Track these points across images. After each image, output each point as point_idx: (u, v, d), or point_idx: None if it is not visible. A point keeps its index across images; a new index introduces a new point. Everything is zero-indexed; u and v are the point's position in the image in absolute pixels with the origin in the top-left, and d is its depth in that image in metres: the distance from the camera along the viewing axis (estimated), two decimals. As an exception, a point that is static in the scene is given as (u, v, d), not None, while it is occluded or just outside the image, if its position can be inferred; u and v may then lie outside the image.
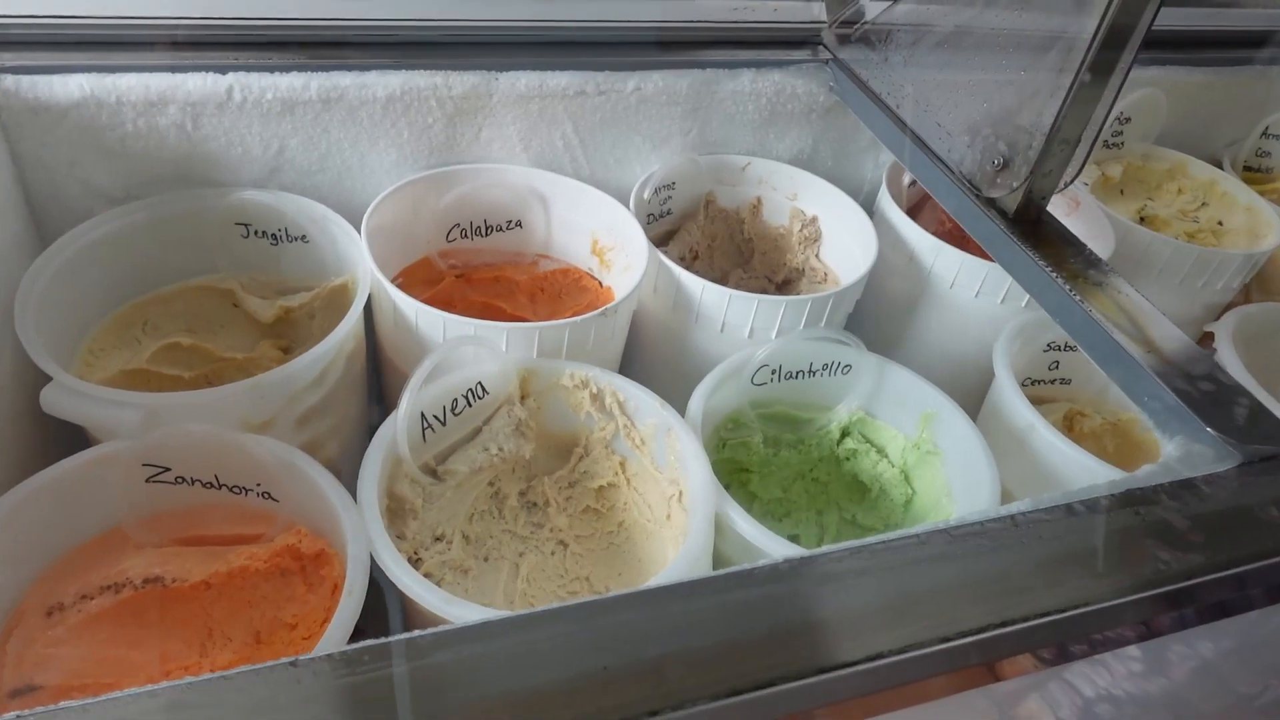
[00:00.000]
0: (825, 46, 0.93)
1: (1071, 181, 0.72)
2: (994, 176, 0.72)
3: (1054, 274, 0.67)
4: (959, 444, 0.74)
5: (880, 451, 0.81)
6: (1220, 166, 1.13)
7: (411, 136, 0.82)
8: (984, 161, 0.73)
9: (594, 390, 0.72)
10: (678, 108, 0.88)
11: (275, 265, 0.81)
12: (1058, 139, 0.68)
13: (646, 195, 0.89)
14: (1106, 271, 0.68)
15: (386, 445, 0.63)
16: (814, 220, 0.97)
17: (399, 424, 0.62)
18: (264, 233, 0.79)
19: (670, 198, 0.94)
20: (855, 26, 0.91)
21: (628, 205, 0.86)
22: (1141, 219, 1.08)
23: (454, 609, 0.54)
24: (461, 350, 0.69)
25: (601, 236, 0.88)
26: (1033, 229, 0.71)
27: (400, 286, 0.87)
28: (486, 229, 0.89)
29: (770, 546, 0.62)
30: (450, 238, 0.88)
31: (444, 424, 0.68)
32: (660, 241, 0.96)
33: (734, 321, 0.80)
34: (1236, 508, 0.50)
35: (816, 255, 0.98)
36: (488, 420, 0.71)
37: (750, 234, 1.00)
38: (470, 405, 0.70)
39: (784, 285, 0.99)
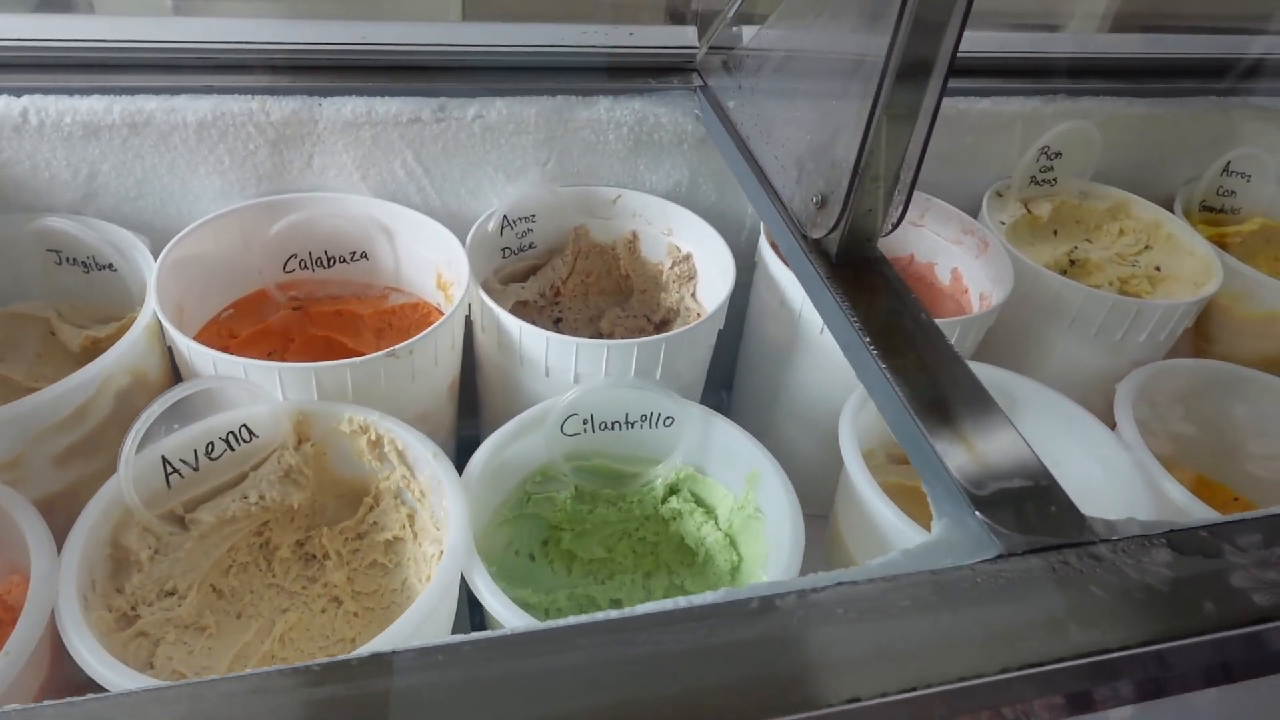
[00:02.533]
0: (699, 73, 0.87)
1: (897, 224, 0.64)
2: (816, 216, 0.65)
3: (857, 325, 0.60)
4: (776, 507, 0.67)
5: (708, 512, 0.73)
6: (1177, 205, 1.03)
7: (234, 163, 0.78)
8: (807, 199, 0.66)
9: (373, 437, 0.66)
10: (528, 136, 0.83)
11: (89, 294, 0.78)
12: (868, 176, 0.60)
13: (491, 227, 0.84)
14: (925, 325, 0.61)
15: (113, 492, 0.59)
16: (688, 257, 0.90)
17: (121, 469, 0.58)
18: (75, 260, 0.77)
19: (531, 231, 0.89)
20: (723, 52, 0.85)
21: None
22: (1072, 262, 0.99)
23: (111, 674, 0.49)
24: (234, 391, 0.65)
25: (444, 270, 0.83)
26: (854, 274, 0.64)
27: (229, 319, 0.84)
28: (329, 260, 0.85)
29: (504, 616, 0.56)
30: (288, 268, 0.84)
31: (196, 469, 0.64)
32: (523, 277, 0.91)
33: (557, 365, 0.74)
34: (948, 618, 0.42)
35: (693, 295, 0.91)
36: (256, 466, 0.67)
37: (627, 270, 0.94)
38: (233, 449, 0.65)
39: (661, 326, 0.93)
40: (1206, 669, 0.42)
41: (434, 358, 0.73)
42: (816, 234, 0.65)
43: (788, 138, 0.70)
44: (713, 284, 0.88)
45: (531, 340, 0.74)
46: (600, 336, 0.91)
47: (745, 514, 0.70)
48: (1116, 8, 1.08)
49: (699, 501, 0.74)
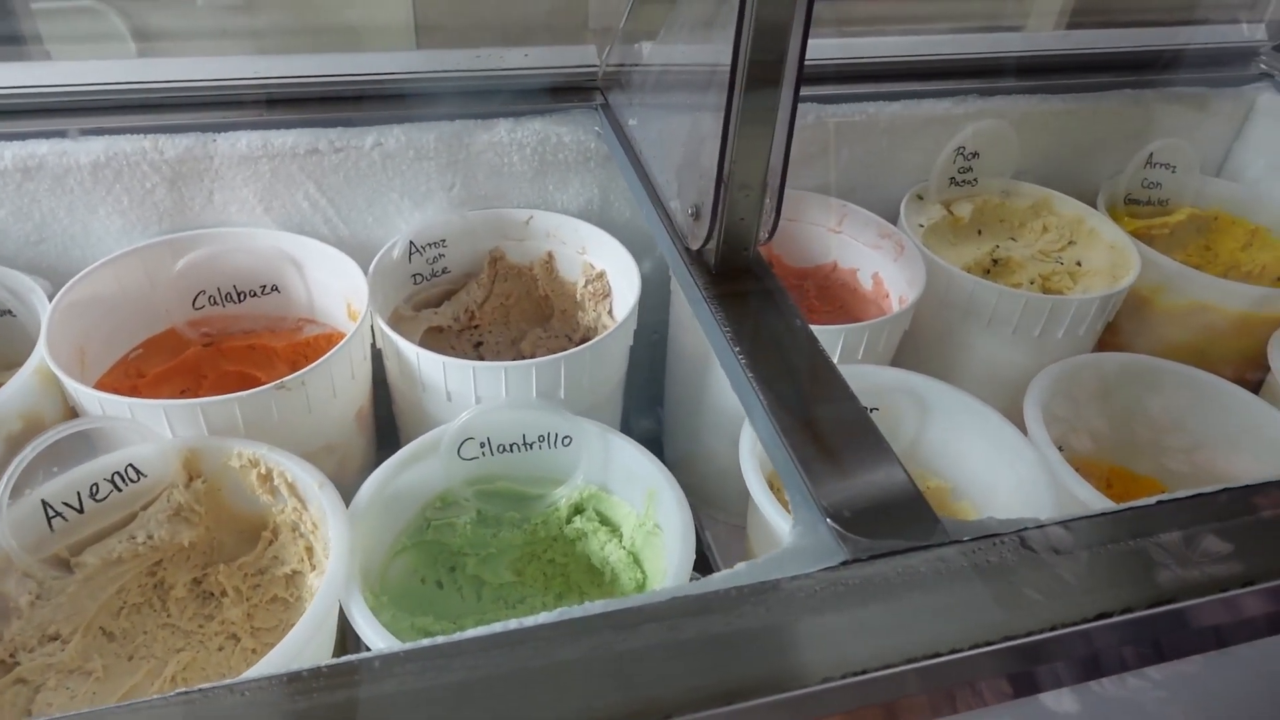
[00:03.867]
0: (601, 91, 0.88)
1: (772, 231, 0.64)
2: (693, 227, 0.65)
3: (729, 334, 0.59)
4: (672, 524, 0.66)
5: (613, 530, 0.73)
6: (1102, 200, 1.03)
7: (133, 203, 0.79)
8: (685, 211, 0.66)
9: (263, 470, 0.66)
10: (430, 162, 0.83)
11: (-6, 340, 0.79)
12: (735, 185, 0.60)
13: (398, 254, 0.84)
14: (798, 332, 0.60)
15: (-12, 538, 0.58)
16: (602, 275, 0.90)
17: (-5, 515, 0.58)
18: (-25, 306, 0.77)
19: (442, 256, 0.89)
20: (621, 69, 0.85)
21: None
22: (995, 261, 0.98)
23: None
24: (124, 431, 0.65)
25: (353, 300, 0.83)
26: (733, 284, 0.64)
27: (138, 358, 0.84)
28: (239, 295, 0.85)
29: (375, 642, 0.55)
30: (198, 305, 0.84)
31: (81, 511, 0.63)
32: (438, 302, 0.91)
33: (457, 390, 0.74)
34: (779, 623, 0.41)
35: (609, 312, 0.91)
36: (146, 505, 0.66)
37: (546, 291, 0.94)
38: (120, 490, 0.65)
39: (582, 344, 0.92)
40: (1044, 668, 0.42)
41: (331, 389, 0.73)
42: (695, 245, 0.65)
43: (670, 151, 0.70)
44: (626, 300, 0.88)
45: (430, 366, 0.74)
46: (522, 358, 0.91)
47: (646, 530, 0.69)
48: (1031, 7, 1.08)
49: (604, 520, 0.74)
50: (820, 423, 0.54)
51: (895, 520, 0.48)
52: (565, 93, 0.87)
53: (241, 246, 0.83)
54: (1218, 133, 1.09)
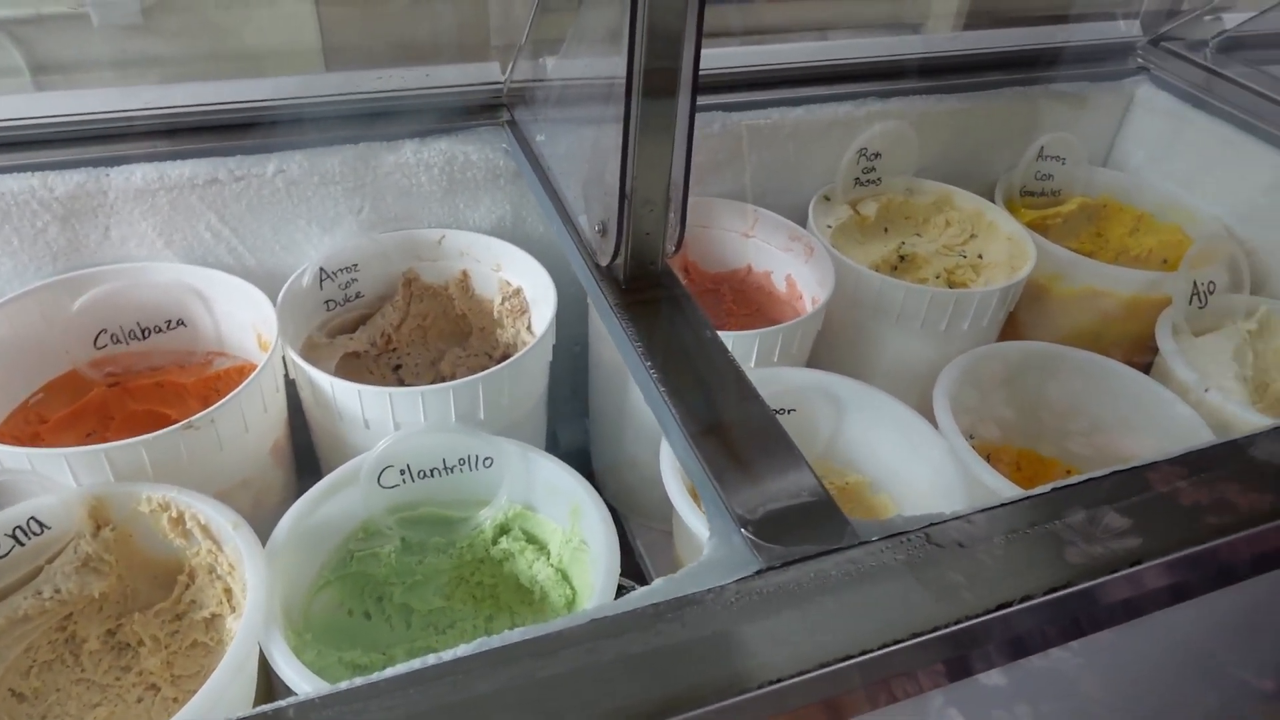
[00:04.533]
0: (507, 108, 0.88)
1: (678, 244, 0.65)
2: (601, 243, 0.66)
3: (640, 349, 0.60)
4: (597, 538, 0.67)
5: (540, 548, 0.73)
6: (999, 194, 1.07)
7: (23, 244, 0.76)
8: (592, 227, 0.67)
9: (174, 514, 0.65)
10: (336, 186, 0.82)
11: (-124, 394, 0.75)
12: (638, 200, 0.61)
13: (308, 282, 0.83)
14: (708, 343, 0.61)
15: (-119, 605, 0.56)
16: (519, 291, 0.90)
17: (-114, 581, 0.55)
18: None
19: (355, 280, 0.88)
20: (526, 85, 0.85)
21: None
22: (902, 257, 1.01)
23: None
24: (24, 483, 0.63)
25: (262, 331, 0.82)
26: (643, 298, 0.65)
27: (39, 403, 0.81)
28: (143, 331, 0.83)
29: (300, 687, 0.54)
30: (100, 344, 0.81)
31: (-19, 569, 0.61)
32: (354, 327, 0.90)
33: (375, 417, 0.73)
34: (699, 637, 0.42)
35: (528, 328, 0.91)
36: (52, 558, 0.64)
37: (462, 310, 0.93)
38: (22, 544, 0.63)
39: (503, 361, 0.92)
40: (949, 663, 0.43)
41: (243, 424, 0.71)
42: (604, 261, 0.66)
43: (575, 167, 0.70)
44: (544, 316, 0.88)
45: (345, 395, 0.73)
46: (442, 379, 0.91)
47: (573, 547, 0.70)
48: (929, 10, 1.12)
49: (531, 539, 0.74)
50: (732, 432, 0.55)
51: (807, 525, 0.49)
52: (471, 111, 0.86)
53: (143, 282, 0.81)
54: (1102, 125, 1.14)
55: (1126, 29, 1.14)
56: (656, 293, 0.65)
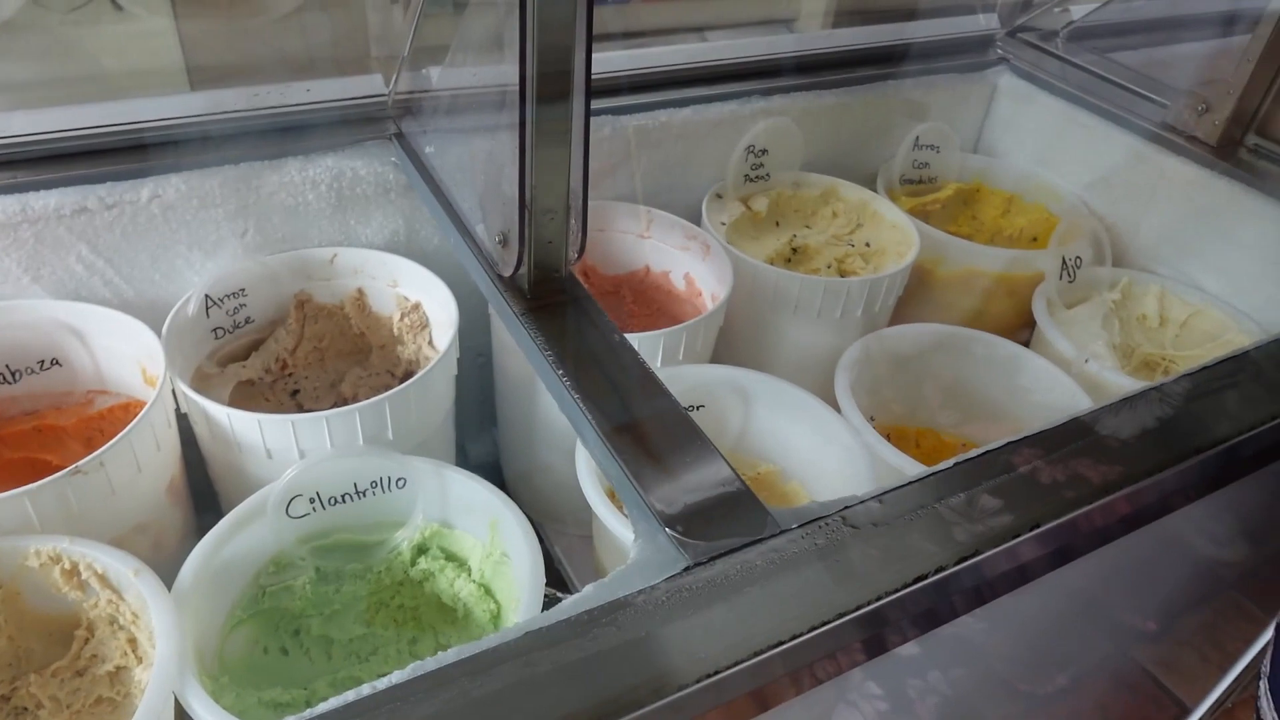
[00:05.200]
0: (393, 120, 0.86)
1: (580, 251, 0.65)
2: (502, 254, 0.65)
3: (551, 358, 0.60)
4: (518, 550, 0.66)
5: (460, 565, 0.72)
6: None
7: None
8: (492, 237, 0.66)
9: (66, 566, 0.61)
10: (217, 210, 0.79)
11: None
12: (538, 209, 0.61)
13: (193, 310, 0.79)
14: (618, 347, 0.62)
15: None
16: (417, 306, 0.88)
17: None
18: None
19: (244, 306, 0.84)
20: (413, 96, 0.84)
21: (170, 326, 0.76)
22: (794, 250, 1.04)
23: None
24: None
25: (147, 364, 0.78)
26: (548, 307, 0.65)
27: (-100, 459, 0.74)
28: (13, 374, 0.78)
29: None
30: (-35, 391, 0.76)
31: None
32: (245, 354, 0.86)
33: (277, 446, 0.71)
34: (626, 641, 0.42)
35: (429, 343, 0.89)
36: (-69, 625, 0.60)
37: (360, 328, 0.91)
38: (-104, 613, 0.58)
39: (406, 379, 0.90)
40: (867, 643, 0.45)
41: (135, 465, 0.68)
42: (507, 272, 0.65)
43: (471, 178, 0.70)
44: (445, 330, 0.87)
45: (244, 426, 0.70)
46: (343, 400, 0.88)
47: (494, 561, 0.69)
48: (799, 8, 1.15)
49: (450, 556, 0.73)
50: (648, 433, 0.55)
51: (729, 518, 0.50)
52: (355, 125, 0.84)
53: (10, 321, 0.76)
54: (970, 113, 1.20)
55: (986, 22, 1.21)
56: (562, 299, 0.65)
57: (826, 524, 0.50)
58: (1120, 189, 1.08)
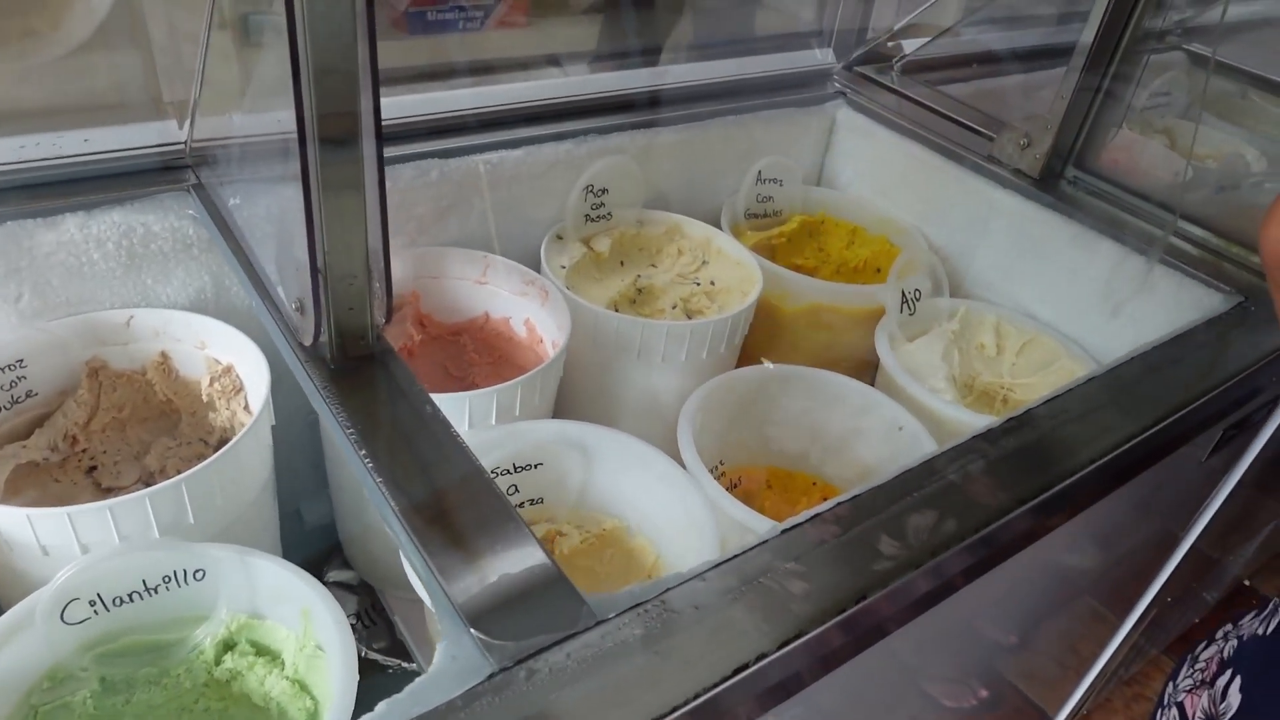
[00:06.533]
0: (193, 170, 0.79)
1: (388, 316, 0.60)
2: (301, 322, 0.60)
3: (353, 436, 0.55)
4: (332, 642, 0.60)
5: (273, 659, 0.65)
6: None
7: None
8: (289, 303, 0.61)
9: None
10: (-18, 274, 0.70)
11: None
12: (335, 275, 0.56)
13: (-45, 390, 0.70)
14: (429, 420, 0.57)
15: None
16: (229, 370, 0.81)
17: None
18: None
19: (23, 379, 0.75)
20: (213, 144, 0.77)
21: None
22: (639, 290, 1.02)
23: None
24: None
25: (-101, 453, 0.68)
26: (356, 378, 0.60)
27: None
28: None
29: None
30: None
31: None
32: (26, 432, 0.77)
33: (54, 542, 0.63)
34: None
35: (245, 407, 0.82)
36: None
37: (166, 395, 0.83)
38: None
39: (221, 446, 0.83)
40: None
41: (-128, 576, 0.58)
42: (306, 341, 0.60)
43: (268, 237, 0.64)
44: (260, 395, 0.80)
45: (10, 521, 0.62)
46: (149, 474, 0.80)
47: (308, 654, 0.63)
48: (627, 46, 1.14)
49: (261, 650, 0.66)
50: (456, 517, 0.51)
51: (541, 609, 0.46)
52: (147, 176, 0.77)
53: None
54: (811, 146, 1.21)
55: (822, 56, 1.22)
56: (370, 370, 0.60)
57: (646, 610, 0.47)
58: (954, 220, 1.10)
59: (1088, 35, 0.97)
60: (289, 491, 0.85)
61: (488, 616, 0.45)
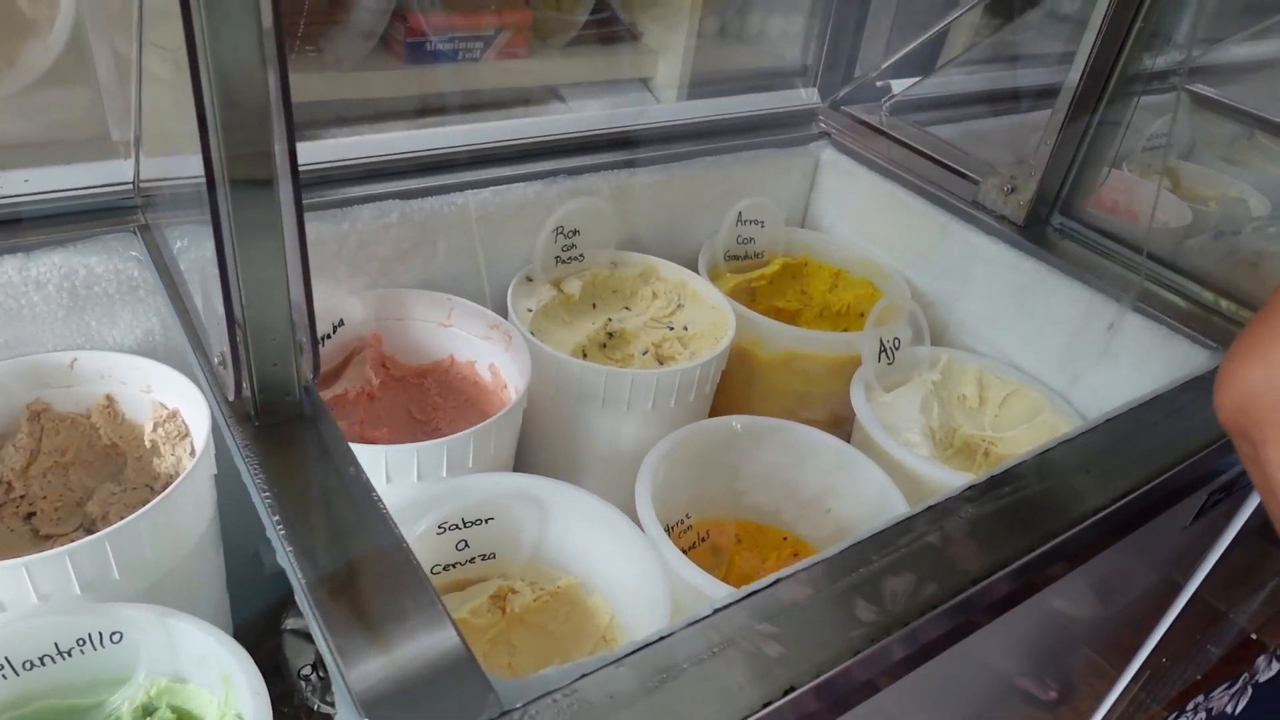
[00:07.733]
0: (140, 209, 0.77)
1: (316, 372, 0.58)
2: (224, 376, 0.57)
3: (269, 500, 0.52)
4: (251, 710, 0.57)
5: (195, 727, 0.62)
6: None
7: None
8: (214, 356, 0.58)
9: None
10: (-86, 318, 0.68)
11: None
12: (256, 329, 0.53)
13: (-119, 436, 0.68)
14: (352, 484, 0.54)
15: None
16: (175, 414, 0.78)
17: None
18: None
19: (-42, 423, 0.73)
20: (160, 184, 0.75)
21: None
22: (610, 334, 0.99)
23: None
24: None
25: None
26: (279, 437, 0.57)
27: None
28: None
29: None
30: None
31: None
32: (-39, 478, 0.75)
33: (-25, 599, 0.60)
34: None
35: (190, 453, 0.79)
36: None
37: (111, 439, 0.80)
38: None
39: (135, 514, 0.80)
40: None
41: None
42: (231, 396, 0.57)
43: (195, 286, 0.62)
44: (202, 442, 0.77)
45: (-78, 577, 0.59)
46: (90, 521, 0.77)
47: (229, 722, 0.60)
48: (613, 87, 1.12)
49: (182, 715, 0.63)
50: (367, 595, 0.48)
51: (446, 697, 0.43)
52: (92, 216, 0.75)
53: None
54: (794, 187, 1.19)
55: (807, 96, 1.20)
56: (294, 428, 0.57)
57: (557, 700, 0.43)
58: (938, 266, 1.07)
59: (1073, 77, 0.94)
60: (247, 534, 0.82)
61: (385, 704, 0.42)
